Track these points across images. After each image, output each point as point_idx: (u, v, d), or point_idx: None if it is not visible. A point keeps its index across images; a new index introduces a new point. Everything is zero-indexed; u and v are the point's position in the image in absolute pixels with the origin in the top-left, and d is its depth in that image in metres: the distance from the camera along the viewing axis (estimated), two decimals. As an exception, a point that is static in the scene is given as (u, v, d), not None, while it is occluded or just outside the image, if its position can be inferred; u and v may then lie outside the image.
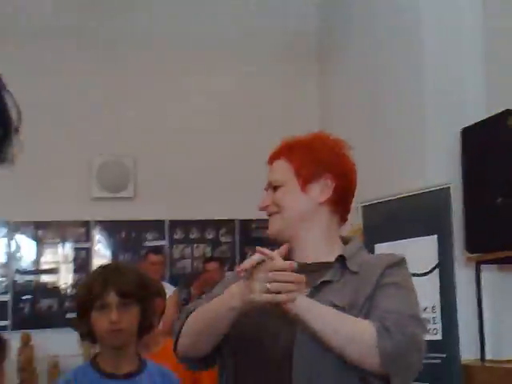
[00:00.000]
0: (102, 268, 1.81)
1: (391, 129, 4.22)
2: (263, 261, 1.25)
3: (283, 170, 1.45)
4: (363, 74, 4.73)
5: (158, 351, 2.21)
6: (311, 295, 1.31)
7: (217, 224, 5.63)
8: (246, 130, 5.41)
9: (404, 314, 1.28)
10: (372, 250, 3.64)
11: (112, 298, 1.68)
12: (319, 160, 1.43)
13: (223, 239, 5.66)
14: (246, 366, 1.34)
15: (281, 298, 1.21)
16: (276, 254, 1.26)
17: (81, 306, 1.73)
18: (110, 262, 1.95)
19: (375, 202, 3.78)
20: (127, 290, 1.69)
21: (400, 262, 1.41)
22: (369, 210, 3.80)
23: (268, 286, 1.21)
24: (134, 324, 1.71)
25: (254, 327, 1.33)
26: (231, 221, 5.61)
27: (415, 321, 1.29)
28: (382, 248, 3.57)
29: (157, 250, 5.19)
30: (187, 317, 1.40)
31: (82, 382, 1.69)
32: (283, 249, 1.31)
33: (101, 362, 1.74)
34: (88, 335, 1.73)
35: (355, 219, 3.81)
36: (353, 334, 1.24)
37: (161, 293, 2.37)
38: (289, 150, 1.46)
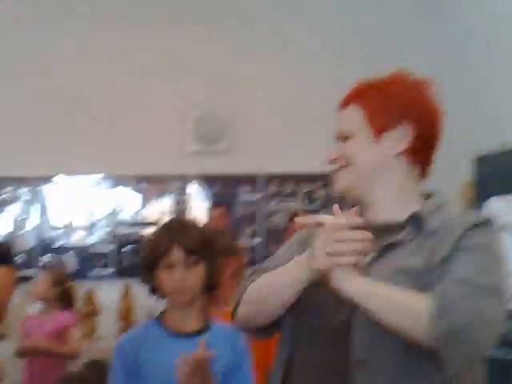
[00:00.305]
0: (168, 225, 1.70)
1: (507, 75, 3.73)
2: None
3: (354, 118, 1.24)
4: (478, 17, 4.23)
5: (228, 310, 2.03)
6: (376, 258, 1.16)
7: (312, 178, 5.35)
8: (344, 79, 5.01)
9: (479, 285, 1.06)
10: (484, 205, 3.23)
11: (177, 255, 1.59)
12: (396, 104, 1.21)
13: (319, 193, 5.40)
14: (304, 337, 1.21)
15: (343, 261, 1.06)
16: (341, 215, 1.09)
17: (147, 262, 1.64)
18: (175, 219, 1.86)
19: (489, 153, 3.34)
20: (192, 247, 1.59)
21: (486, 222, 1.16)
22: (482, 161, 3.37)
23: (328, 249, 1.06)
24: (200, 282, 1.62)
25: (315, 296, 1.18)
26: (327, 175, 5.24)
27: (491, 293, 1.06)
28: (495, 202, 3.14)
29: (217, 203, 5.01)
30: (250, 283, 1.27)
31: (146, 337, 1.61)
32: (353, 211, 1.13)
33: (167, 318, 1.66)
34: (155, 291, 1.66)
35: (466, 172, 3.41)
36: (407, 311, 1.06)
37: (234, 250, 2.21)
38: (360, 94, 1.25)
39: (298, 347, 1.21)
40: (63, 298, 3.47)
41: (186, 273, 1.59)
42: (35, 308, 3.59)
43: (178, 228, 1.64)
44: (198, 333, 1.62)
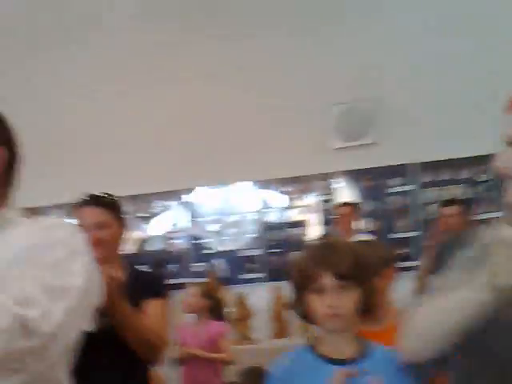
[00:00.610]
0: (317, 246, 1.55)
1: None
2: None
3: None
4: None
5: (382, 329, 1.78)
6: None
7: (472, 161, 4.86)
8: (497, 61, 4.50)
9: None
10: None
11: (328, 280, 1.43)
12: None
13: (481, 178, 4.88)
14: (479, 367, 1.10)
15: None
16: None
17: (295, 286, 1.50)
18: (325, 240, 1.75)
19: None
20: (345, 271, 1.43)
21: None
22: None
23: None
24: (354, 307, 1.46)
25: (486, 319, 1.06)
26: (489, 156, 4.71)
27: None
28: None
29: (345, 202, 4.75)
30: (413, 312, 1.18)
31: (299, 367, 1.45)
32: None
33: (320, 345, 1.49)
34: (305, 316, 1.49)
35: None
36: None
37: (387, 262, 1.97)
38: None
39: (474, 379, 1.08)
40: (213, 310, 3.49)
41: (337, 299, 1.42)
42: (188, 318, 3.58)
43: (328, 251, 1.48)
44: (356, 359, 1.45)
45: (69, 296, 0.97)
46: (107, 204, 1.92)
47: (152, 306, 1.83)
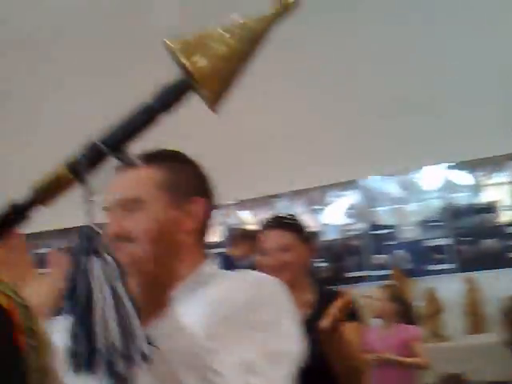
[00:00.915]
0: None
1: None
2: None
3: None
4: None
5: None
6: None
7: None
8: None
9: None
10: None
11: None
12: None
13: None
14: None
15: None
16: None
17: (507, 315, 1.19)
18: None
19: None
20: None
21: None
22: None
23: None
24: None
25: None
26: None
27: None
28: None
29: None
30: None
31: None
32: None
33: None
34: None
35: None
36: None
37: None
38: None
39: None
40: (402, 313, 3.24)
41: None
42: (374, 322, 3.39)
43: None
44: None
45: (287, 362, 0.96)
46: (290, 226, 1.88)
47: (348, 330, 1.73)
